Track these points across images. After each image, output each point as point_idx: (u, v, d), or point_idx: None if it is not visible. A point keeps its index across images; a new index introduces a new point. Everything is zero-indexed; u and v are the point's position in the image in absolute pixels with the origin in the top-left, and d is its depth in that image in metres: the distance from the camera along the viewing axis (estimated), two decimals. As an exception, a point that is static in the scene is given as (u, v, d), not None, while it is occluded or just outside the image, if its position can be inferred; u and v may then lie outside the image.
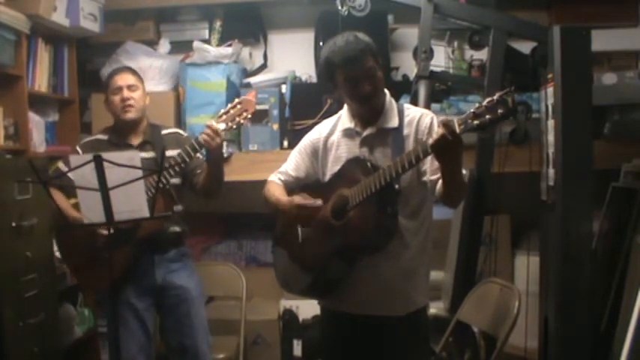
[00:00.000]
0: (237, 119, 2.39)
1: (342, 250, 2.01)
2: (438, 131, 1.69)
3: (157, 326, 2.76)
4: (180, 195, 2.65)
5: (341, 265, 2.04)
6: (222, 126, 2.37)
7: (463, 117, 1.66)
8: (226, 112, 2.40)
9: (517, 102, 1.60)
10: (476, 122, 1.63)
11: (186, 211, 2.70)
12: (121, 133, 2.63)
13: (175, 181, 2.59)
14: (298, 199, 2.06)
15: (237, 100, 2.41)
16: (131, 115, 2.58)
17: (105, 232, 2.37)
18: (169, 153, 2.55)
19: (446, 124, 1.66)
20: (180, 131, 2.78)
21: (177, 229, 2.63)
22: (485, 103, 1.61)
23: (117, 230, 2.39)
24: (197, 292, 2.67)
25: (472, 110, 1.64)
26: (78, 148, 2.62)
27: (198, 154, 2.49)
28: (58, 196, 2.48)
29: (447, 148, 1.69)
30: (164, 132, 2.67)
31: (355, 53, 1.94)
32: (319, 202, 2.03)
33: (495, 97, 1.60)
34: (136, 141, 2.61)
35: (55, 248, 2.94)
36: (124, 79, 2.60)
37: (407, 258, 2.02)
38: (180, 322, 2.61)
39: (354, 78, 1.96)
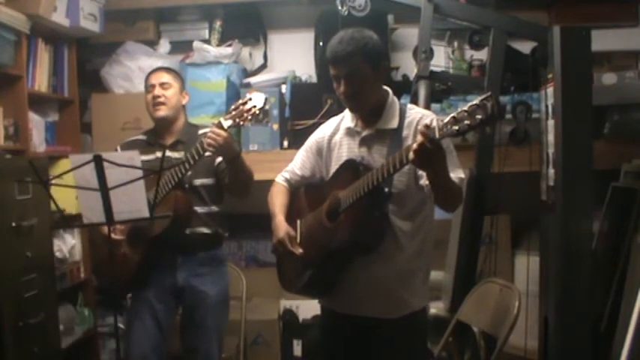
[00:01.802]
0: (246, 115, 2.28)
1: (335, 250, 2.02)
2: (417, 139, 1.67)
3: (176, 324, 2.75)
4: (214, 196, 2.60)
5: (335, 265, 2.05)
6: (228, 123, 2.29)
7: (444, 122, 1.62)
8: (236, 109, 2.31)
9: (499, 106, 1.55)
10: (455, 128, 1.59)
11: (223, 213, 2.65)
12: (157, 133, 2.64)
13: (207, 181, 2.56)
14: (283, 232, 2.11)
15: (247, 96, 2.31)
16: (161, 112, 2.57)
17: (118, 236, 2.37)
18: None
19: (423, 133, 1.64)
20: None
21: (205, 230, 2.57)
22: (466, 107, 1.58)
23: (132, 229, 2.39)
24: (219, 298, 2.61)
25: (453, 115, 1.60)
26: (118, 148, 2.64)
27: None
28: None
29: (426, 156, 1.66)
30: (200, 132, 2.60)
31: (341, 53, 1.94)
32: (299, 251, 2.09)
33: (477, 102, 1.57)
34: (169, 140, 2.60)
35: (56, 248, 2.96)
36: (157, 77, 2.60)
37: (402, 260, 2.02)
38: (196, 325, 2.59)
39: (336, 76, 1.99)
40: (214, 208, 2.60)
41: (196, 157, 2.37)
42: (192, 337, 2.60)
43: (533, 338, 3.05)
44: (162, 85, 2.59)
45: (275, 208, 2.20)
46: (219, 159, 2.50)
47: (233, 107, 2.32)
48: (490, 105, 1.54)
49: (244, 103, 2.29)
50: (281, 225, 2.14)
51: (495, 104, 1.54)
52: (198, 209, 2.55)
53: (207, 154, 2.37)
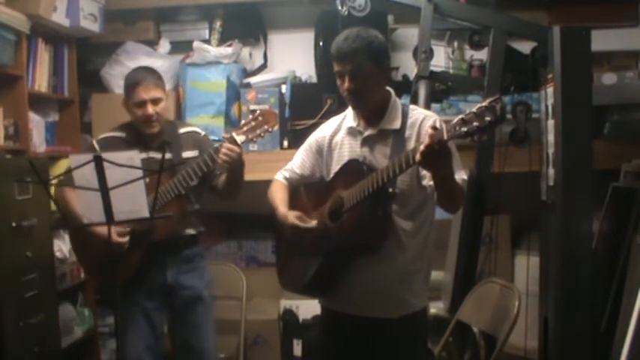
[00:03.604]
0: (258, 131, 2.34)
1: (337, 250, 2.03)
2: (424, 141, 1.67)
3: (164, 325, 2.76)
4: (196, 195, 2.61)
5: (336, 265, 2.06)
6: (241, 138, 2.33)
7: (452, 123, 1.63)
8: (247, 124, 2.35)
9: (505, 106, 1.57)
10: (464, 129, 1.60)
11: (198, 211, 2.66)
12: (138, 134, 2.54)
13: (193, 182, 2.54)
14: (292, 217, 2.10)
15: (258, 112, 2.35)
16: (155, 130, 2.50)
17: (121, 239, 2.37)
18: (187, 154, 2.54)
19: (432, 135, 1.64)
20: (197, 129, 2.68)
21: (192, 231, 2.61)
22: (474, 109, 1.59)
23: (133, 233, 2.39)
24: (207, 293, 2.64)
25: (461, 116, 1.61)
26: (95, 143, 2.57)
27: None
28: (73, 198, 2.42)
29: (433, 157, 1.67)
30: (181, 131, 2.61)
31: (347, 50, 1.96)
32: (313, 222, 2.07)
33: (485, 104, 1.57)
34: (154, 143, 2.53)
35: (56, 248, 2.95)
36: (148, 92, 2.45)
37: (403, 260, 2.02)
38: (188, 322, 2.60)
39: (340, 72, 2.00)
40: (196, 207, 2.62)
41: (205, 170, 2.40)
42: (184, 335, 2.62)
43: (533, 338, 3.05)
44: (154, 101, 2.46)
45: (276, 202, 2.20)
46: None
47: (244, 122, 2.37)
48: (499, 107, 1.55)
49: (255, 119, 2.34)
50: (287, 213, 2.14)
51: (504, 106, 1.56)
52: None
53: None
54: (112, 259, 2.26)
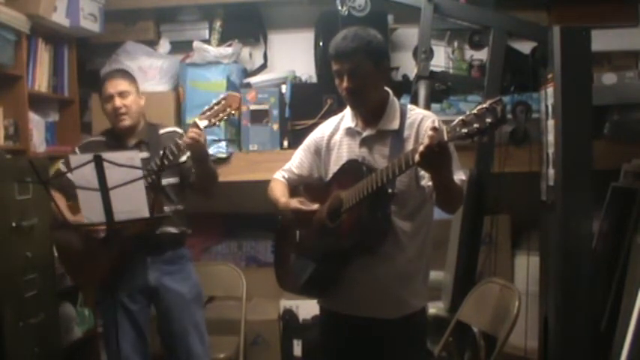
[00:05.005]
0: (221, 115, 2.40)
1: (336, 250, 2.03)
2: (424, 142, 1.66)
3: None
4: (179, 195, 2.62)
5: (335, 265, 2.05)
6: (204, 123, 2.38)
7: (452, 125, 1.63)
8: (210, 109, 2.41)
9: (506, 108, 1.57)
10: (464, 130, 1.60)
11: (186, 212, 2.68)
12: (117, 136, 2.60)
13: (172, 180, 2.57)
14: (294, 202, 2.10)
15: (221, 96, 2.41)
16: (126, 123, 2.55)
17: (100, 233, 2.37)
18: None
19: (432, 136, 1.64)
20: (179, 130, 2.72)
21: (172, 230, 2.59)
22: (475, 110, 1.59)
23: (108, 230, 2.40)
24: (191, 295, 2.63)
25: (461, 118, 1.60)
26: (77, 150, 2.61)
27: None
28: (58, 198, 2.45)
29: (433, 158, 1.67)
30: (162, 131, 2.64)
31: (345, 49, 1.96)
32: (315, 206, 2.06)
33: (485, 105, 1.57)
34: (132, 141, 2.58)
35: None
36: (115, 86, 2.54)
37: (403, 261, 2.02)
38: (172, 324, 2.60)
39: (339, 72, 2.00)
40: (180, 207, 2.62)
41: (171, 158, 2.40)
42: (170, 337, 2.62)
43: (533, 338, 3.05)
44: (120, 94, 2.53)
45: (277, 195, 2.20)
46: (184, 158, 2.54)
47: (207, 108, 2.42)
48: (500, 109, 1.55)
49: (218, 103, 2.39)
50: (288, 201, 2.14)
51: (504, 108, 1.56)
52: (166, 208, 2.55)
53: (183, 158, 2.47)
54: (90, 256, 2.28)
